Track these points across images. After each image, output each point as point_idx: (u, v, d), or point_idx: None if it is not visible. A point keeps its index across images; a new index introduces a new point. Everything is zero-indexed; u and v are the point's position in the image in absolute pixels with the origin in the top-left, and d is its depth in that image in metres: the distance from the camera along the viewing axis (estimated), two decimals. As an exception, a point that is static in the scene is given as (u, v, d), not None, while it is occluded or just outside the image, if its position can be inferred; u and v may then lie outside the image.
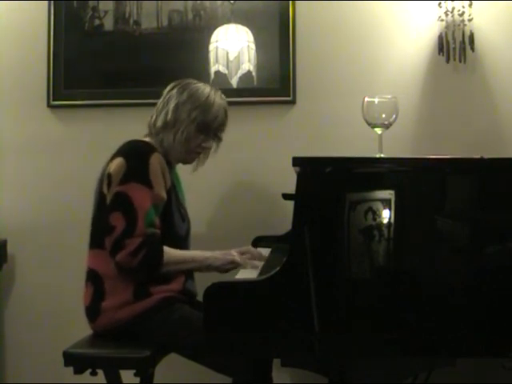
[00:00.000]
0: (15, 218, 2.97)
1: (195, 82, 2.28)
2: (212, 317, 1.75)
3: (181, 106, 2.21)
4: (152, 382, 2.37)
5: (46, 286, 2.95)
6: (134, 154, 2.14)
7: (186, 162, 2.33)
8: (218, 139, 2.32)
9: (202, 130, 2.24)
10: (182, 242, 2.24)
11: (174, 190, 2.23)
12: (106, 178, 2.13)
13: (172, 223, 2.19)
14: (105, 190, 2.14)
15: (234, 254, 2.18)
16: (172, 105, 2.22)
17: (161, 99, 2.27)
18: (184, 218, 2.28)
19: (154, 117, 2.25)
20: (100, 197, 2.16)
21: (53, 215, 2.95)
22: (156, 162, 2.12)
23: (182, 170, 2.40)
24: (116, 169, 2.11)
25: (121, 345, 2.09)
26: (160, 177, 2.12)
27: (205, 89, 2.25)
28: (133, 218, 2.05)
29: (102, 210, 2.13)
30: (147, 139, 2.25)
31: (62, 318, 2.90)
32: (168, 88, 2.28)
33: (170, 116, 2.21)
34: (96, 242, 2.17)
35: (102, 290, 2.13)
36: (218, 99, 2.25)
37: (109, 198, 2.11)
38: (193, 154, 2.29)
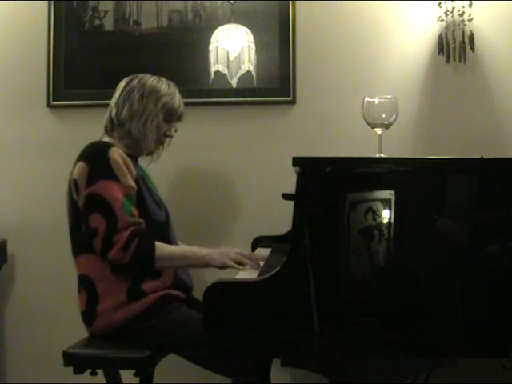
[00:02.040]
0: (15, 217, 2.97)
1: (149, 75, 2.32)
2: (212, 317, 1.75)
3: (146, 97, 2.25)
4: (152, 382, 2.37)
5: (46, 286, 2.95)
6: (93, 154, 2.16)
7: (151, 151, 2.33)
8: (175, 130, 2.36)
9: (167, 118, 2.29)
10: (162, 228, 2.24)
11: (142, 180, 2.24)
12: (73, 185, 2.14)
13: (147, 210, 2.19)
14: (74, 196, 2.15)
15: (231, 256, 2.12)
16: (137, 95, 2.25)
17: (118, 93, 2.29)
18: (159, 204, 2.29)
19: (115, 110, 2.27)
20: (72, 204, 2.17)
21: (53, 215, 2.94)
22: (115, 155, 2.13)
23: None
24: (79, 173, 2.12)
25: (120, 345, 2.09)
26: (123, 168, 2.12)
27: (162, 80, 2.31)
28: (111, 213, 2.06)
29: (77, 216, 2.14)
30: (105, 139, 2.27)
31: (61, 318, 2.90)
32: (125, 82, 2.31)
33: (136, 106, 2.24)
34: (80, 248, 2.17)
35: (95, 294, 2.13)
36: (177, 91, 2.32)
37: (81, 203, 2.12)
38: (159, 143, 2.32)
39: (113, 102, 2.30)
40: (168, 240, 2.23)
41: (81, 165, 2.13)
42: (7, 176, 2.98)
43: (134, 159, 2.27)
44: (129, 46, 2.91)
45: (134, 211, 2.10)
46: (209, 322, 1.75)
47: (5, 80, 2.99)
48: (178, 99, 2.30)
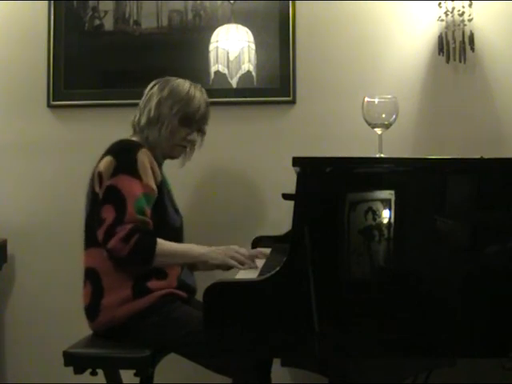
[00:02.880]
0: (15, 217, 2.97)
1: (175, 78, 2.32)
2: (212, 317, 1.75)
3: (163, 102, 2.25)
4: (152, 382, 2.38)
5: (46, 286, 2.95)
6: (122, 151, 2.18)
7: (172, 156, 2.35)
8: (202, 133, 2.36)
9: (185, 123, 2.27)
10: (177, 234, 2.26)
11: (165, 184, 2.26)
12: (97, 177, 2.16)
13: (167, 214, 2.21)
14: (97, 188, 2.16)
15: (231, 255, 2.14)
16: (154, 102, 2.26)
17: (142, 98, 2.31)
18: (177, 210, 2.32)
19: (138, 115, 2.29)
20: (93, 196, 2.18)
21: (53, 215, 2.95)
22: (144, 156, 2.14)
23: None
24: (105, 166, 2.14)
25: (121, 345, 2.09)
26: (149, 170, 2.14)
27: (184, 84, 2.30)
28: (122, 206, 2.07)
29: (95, 209, 2.15)
30: (134, 138, 2.28)
31: (61, 318, 2.90)
32: (149, 87, 2.32)
33: (152, 112, 2.25)
34: (91, 241, 2.18)
35: (100, 288, 2.13)
36: (198, 93, 2.30)
37: (101, 195, 2.13)
38: (178, 147, 2.32)
39: (138, 106, 2.32)
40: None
41: (108, 158, 2.15)
42: (7, 176, 2.98)
43: (158, 162, 2.27)
44: (129, 45, 2.91)
45: (147, 211, 2.11)
46: (209, 322, 1.75)
47: (5, 80, 2.99)
48: (196, 103, 2.27)
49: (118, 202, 2.08)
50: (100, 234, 2.09)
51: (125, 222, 2.06)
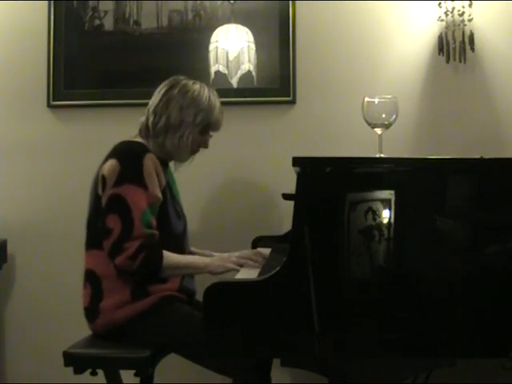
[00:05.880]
0: (15, 218, 2.97)
1: (192, 81, 2.25)
2: (212, 317, 1.75)
3: (185, 110, 2.19)
4: (152, 382, 2.38)
5: (46, 286, 2.95)
6: (128, 155, 2.13)
7: (183, 161, 2.32)
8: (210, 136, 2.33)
9: (205, 132, 2.26)
10: (179, 240, 2.24)
11: (168, 189, 2.23)
12: (101, 180, 2.13)
13: (168, 222, 2.18)
14: (100, 191, 2.14)
15: (234, 261, 2.16)
16: (175, 107, 2.19)
17: (158, 99, 2.22)
18: (180, 215, 2.28)
19: (152, 118, 2.21)
20: (95, 198, 2.16)
21: (53, 215, 2.95)
22: (149, 162, 2.11)
23: (179, 170, 2.40)
24: (110, 171, 2.10)
25: (121, 345, 2.09)
26: (154, 177, 2.11)
27: (204, 90, 2.24)
28: (129, 219, 2.05)
29: (98, 211, 2.13)
30: (139, 139, 2.23)
31: (61, 318, 2.90)
32: (165, 88, 2.24)
33: (173, 119, 2.19)
34: (93, 243, 2.16)
35: (99, 291, 2.12)
36: (217, 101, 2.27)
37: (104, 201, 2.11)
38: (193, 153, 2.30)
39: (151, 107, 2.22)
40: (183, 251, 2.24)
41: (113, 162, 2.11)
42: (7, 176, 2.98)
43: (165, 163, 2.26)
44: (129, 45, 2.91)
45: (153, 222, 2.09)
46: (209, 322, 1.75)
47: (5, 80, 2.99)
48: (217, 112, 2.24)
49: (125, 214, 2.05)
50: (106, 246, 2.07)
51: (132, 237, 2.04)
